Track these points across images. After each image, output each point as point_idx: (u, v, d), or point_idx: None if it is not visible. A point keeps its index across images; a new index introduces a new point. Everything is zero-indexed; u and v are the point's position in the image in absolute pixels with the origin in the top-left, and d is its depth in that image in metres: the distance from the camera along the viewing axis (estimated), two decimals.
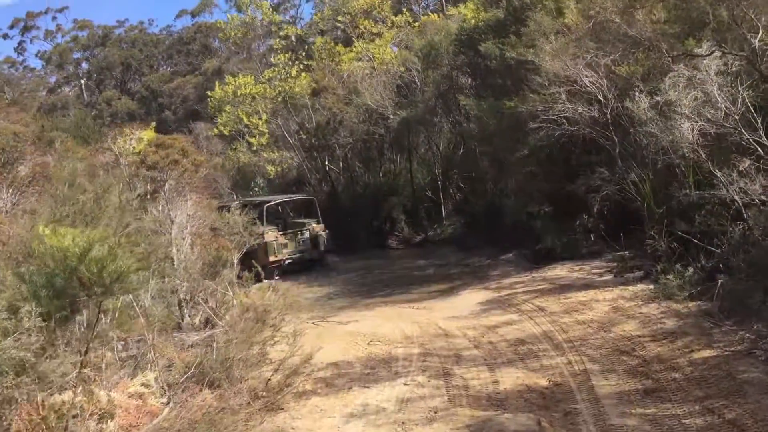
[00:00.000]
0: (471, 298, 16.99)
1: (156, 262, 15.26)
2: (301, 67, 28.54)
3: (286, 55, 28.30)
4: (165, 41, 74.93)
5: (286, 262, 23.35)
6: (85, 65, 77.60)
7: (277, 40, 30.30)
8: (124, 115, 62.38)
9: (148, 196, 18.49)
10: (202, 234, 18.85)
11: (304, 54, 28.98)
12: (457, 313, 15.55)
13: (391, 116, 24.28)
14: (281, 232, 23.75)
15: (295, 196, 26.45)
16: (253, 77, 30.06)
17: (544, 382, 10.30)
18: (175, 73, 69.71)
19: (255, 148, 31.44)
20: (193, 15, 72.07)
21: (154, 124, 43.16)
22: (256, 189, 35.16)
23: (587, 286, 15.67)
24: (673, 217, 14.68)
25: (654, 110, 14.15)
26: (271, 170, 32.97)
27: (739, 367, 9.14)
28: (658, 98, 13.81)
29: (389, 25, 29.73)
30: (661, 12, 15.22)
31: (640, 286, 14.44)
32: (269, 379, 11.76)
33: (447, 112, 24.77)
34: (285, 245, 23.25)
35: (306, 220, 25.22)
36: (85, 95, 73.19)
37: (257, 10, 29.91)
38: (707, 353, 9.88)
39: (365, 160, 28.10)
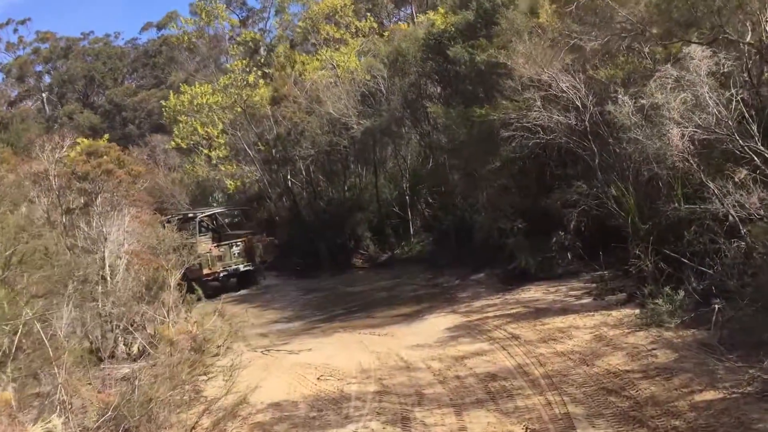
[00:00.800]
0: (438, 323, 15.35)
1: (78, 285, 13.45)
2: (260, 74, 26.83)
3: (243, 61, 26.58)
4: (130, 54, 73.00)
5: (221, 274, 21.80)
6: (47, 78, 75.34)
7: (234, 45, 28.59)
8: (86, 129, 60.20)
9: (78, 211, 16.65)
10: (140, 253, 17.02)
11: (262, 61, 27.25)
12: (422, 340, 13.89)
13: (355, 126, 22.70)
14: (215, 244, 22.13)
15: (229, 208, 25.05)
16: (209, 86, 28.31)
17: (519, 430, 8.66)
18: (140, 87, 67.68)
19: (214, 161, 29.61)
20: (159, 27, 70.05)
21: (107, 135, 41.43)
22: (215, 204, 33.30)
23: (565, 310, 14.14)
24: (660, 234, 13.23)
25: (639, 114, 12.72)
26: (231, 185, 31.16)
27: (752, 413, 7.60)
28: (644, 101, 12.37)
29: (353, 30, 28.24)
30: None
31: (624, 311, 12.93)
32: (196, 425, 10.00)
33: (415, 123, 23.25)
34: (220, 257, 21.63)
35: (242, 232, 23.68)
36: (47, 109, 70.83)
37: (213, 13, 28.05)
38: (711, 395, 8.34)
39: (329, 173, 26.43)
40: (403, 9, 36.81)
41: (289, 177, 27.02)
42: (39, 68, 74.83)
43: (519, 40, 15.67)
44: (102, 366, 14.15)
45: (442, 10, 22.89)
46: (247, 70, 25.55)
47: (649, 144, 12.50)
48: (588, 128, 15.42)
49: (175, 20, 64.98)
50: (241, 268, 22.51)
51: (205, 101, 27.40)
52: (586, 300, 14.67)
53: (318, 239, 26.11)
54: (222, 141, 27.82)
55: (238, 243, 22.46)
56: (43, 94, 72.95)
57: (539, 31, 16.45)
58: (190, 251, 17.10)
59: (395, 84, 22.69)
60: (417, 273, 22.98)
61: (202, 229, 21.77)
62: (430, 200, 25.30)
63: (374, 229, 26.18)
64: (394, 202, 26.17)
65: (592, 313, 13.31)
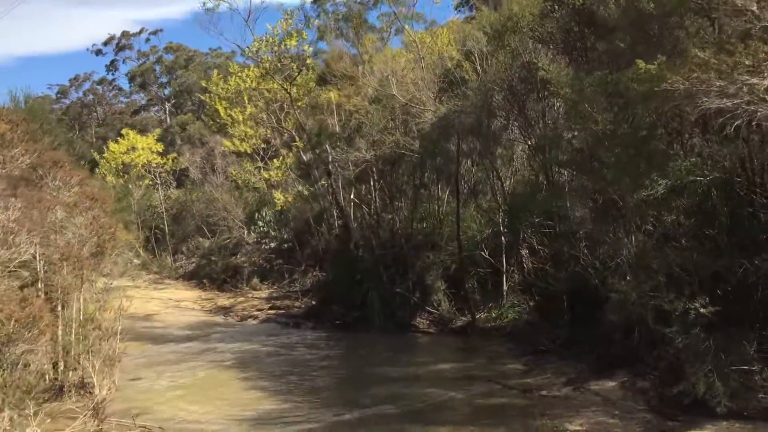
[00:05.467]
0: None
1: None
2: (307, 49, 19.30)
3: (285, 21, 19.23)
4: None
5: None
6: (168, 90, 74.14)
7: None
8: (197, 141, 56.89)
9: None
10: None
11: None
12: None
13: (429, 114, 14.88)
14: None
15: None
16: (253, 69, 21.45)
17: None
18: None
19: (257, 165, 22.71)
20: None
21: (158, 130, 36.10)
22: (260, 224, 26.36)
23: None
24: None
25: None
26: (279, 199, 24.12)
27: None
28: None
29: None
30: None
31: None
32: None
33: (523, 125, 14.99)
34: None
35: None
36: (168, 119, 69.12)
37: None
38: None
39: (393, 191, 18.57)
40: None
41: (340, 192, 19.40)
42: (163, 80, 73.51)
43: None
44: None
45: None
46: (289, 31, 18.24)
47: None
48: None
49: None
50: None
51: (241, 83, 20.64)
52: None
53: (370, 284, 18.29)
54: (249, 131, 20.91)
55: None
56: (167, 104, 71.53)
57: None
58: None
59: (498, 63, 14.62)
60: (503, 356, 14.63)
61: None
62: (538, 246, 16.76)
63: (451, 279, 17.99)
64: (484, 244, 17.85)
65: None
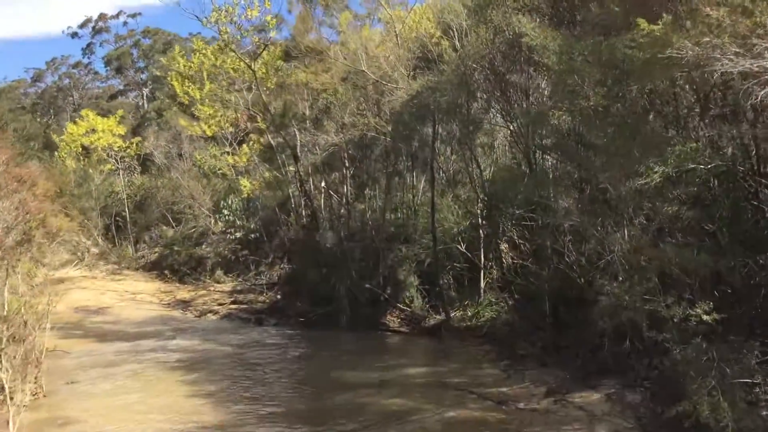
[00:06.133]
0: None
1: None
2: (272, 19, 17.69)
3: None
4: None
5: None
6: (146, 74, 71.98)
7: None
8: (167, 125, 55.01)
9: None
10: None
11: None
12: None
13: (401, 91, 13.49)
14: None
15: None
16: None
17: None
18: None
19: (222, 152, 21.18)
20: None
21: (120, 111, 34.50)
22: (225, 212, 24.83)
23: None
24: None
25: None
26: (246, 186, 22.63)
27: None
28: None
29: None
30: None
31: None
32: None
33: (506, 107, 13.62)
34: None
35: None
36: (146, 104, 67.08)
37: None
38: None
39: (365, 179, 17.14)
40: None
41: (309, 179, 17.93)
42: (141, 64, 71.37)
43: None
44: None
45: None
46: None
47: None
48: None
49: None
50: None
51: (204, 59, 19.09)
52: None
53: (337, 278, 16.94)
54: (208, 110, 19.41)
55: None
56: (145, 90, 69.58)
57: None
58: None
59: (479, 38, 13.21)
60: (478, 360, 13.37)
61: None
62: (518, 240, 15.50)
63: (424, 274, 16.71)
64: (461, 237, 16.55)
65: None
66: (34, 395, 11.35)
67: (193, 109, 22.24)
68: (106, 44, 70.47)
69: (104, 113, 42.31)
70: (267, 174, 20.52)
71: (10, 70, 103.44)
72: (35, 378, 11.44)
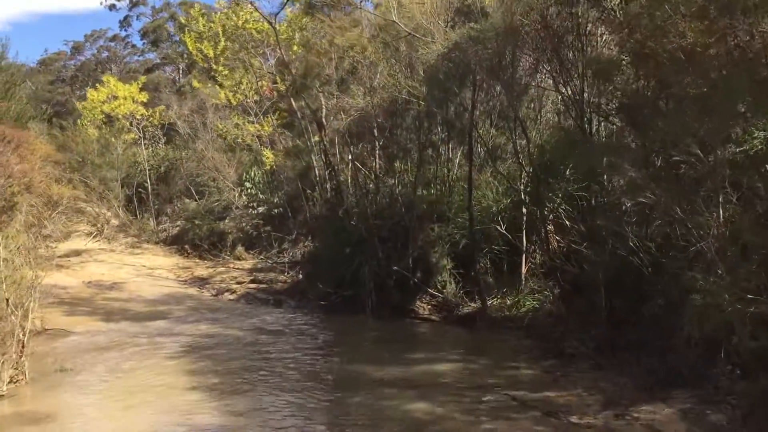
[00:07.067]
0: None
1: None
2: None
3: None
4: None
5: None
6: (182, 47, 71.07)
7: None
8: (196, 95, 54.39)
9: None
10: None
11: None
12: None
13: (439, 44, 11.69)
14: None
15: None
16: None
17: None
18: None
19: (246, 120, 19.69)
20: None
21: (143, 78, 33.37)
22: (248, 185, 23.44)
23: None
24: None
25: None
26: (269, 158, 21.15)
27: None
28: None
29: None
30: None
31: None
32: None
33: (558, 68, 11.72)
34: None
35: None
36: (181, 78, 66.35)
37: None
38: None
39: (395, 151, 15.41)
40: None
41: (335, 149, 16.29)
42: (177, 38, 70.46)
43: None
44: None
45: None
46: None
47: None
48: None
49: None
50: None
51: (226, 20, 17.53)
52: None
53: (363, 259, 15.36)
54: (224, 71, 17.88)
55: None
56: (181, 64, 68.87)
57: None
58: None
59: None
60: (518, 356, 11.72)
61: None
62: (567, 222, 13.63)
63: (459, 257, 15.01)
64: (501, 217, 14.77)
65: None
66: (14, 382, 10.08)
67: (214, 73, 20.78)
68: (143, 17, 69.67)
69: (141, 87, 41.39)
70: (290, 143, 18.95)
71: (53, 43, 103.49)
72: (16, 364, 10.15)
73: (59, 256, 21.61)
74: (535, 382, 10.08)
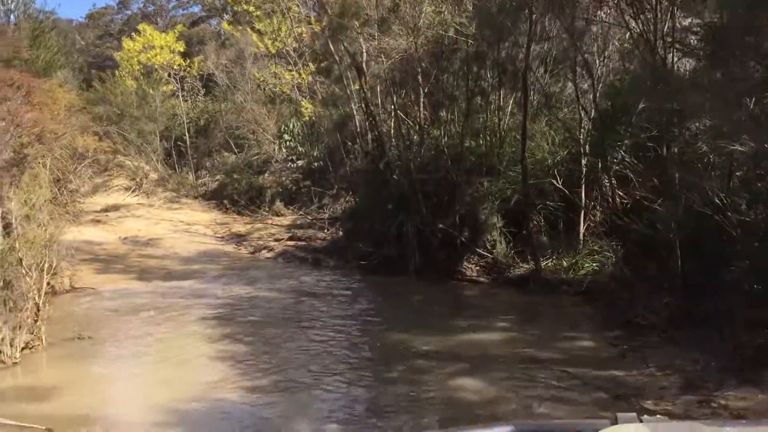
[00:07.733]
0: None
1: None
2: None
3: None
4: None
5: None
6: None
7: None
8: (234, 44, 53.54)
9: None
10: None
11: None
12: None
13: None
14: None
15: None
16: None
17: None
18: None
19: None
20: None
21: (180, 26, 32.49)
22: (286, 137, 22.44)
23: None
24: None
25: None
26: (307, 108, 20.06)
27: None
28: None
29: None
30: None
31: None
32: None
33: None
34: None
35: None
36: (224, 31, 65.57)
37: None
38: None
39: (441, 98, 14.09)
40: None
41: (378, 97, 15.06)
42: None
43: None
44: None
45: None
46: None
47: None
48: None
49: None
50: None
51: None
52: None
53: (406, 216, 14.25)
54: (255, 11, 16.66)
55: None
56: (225, 16, 68.10)
57: None
58: None
59: None
60: (577, 325, 10.53)
61: None
62: (631, 176, 12.19)
63: (510, 214, 13.74)
64: (557, 170, 13.39)
65: None
66: (30, 348, 9.42)
67: (250, 17, 19.66)
68: None
69: (186, 40, 40.27)
70: (324, 89, 17.80)
71: None
72: (32, 328, 9.47)
73: (97, 211, 21.29)
74: (599, 358, 8.90)
